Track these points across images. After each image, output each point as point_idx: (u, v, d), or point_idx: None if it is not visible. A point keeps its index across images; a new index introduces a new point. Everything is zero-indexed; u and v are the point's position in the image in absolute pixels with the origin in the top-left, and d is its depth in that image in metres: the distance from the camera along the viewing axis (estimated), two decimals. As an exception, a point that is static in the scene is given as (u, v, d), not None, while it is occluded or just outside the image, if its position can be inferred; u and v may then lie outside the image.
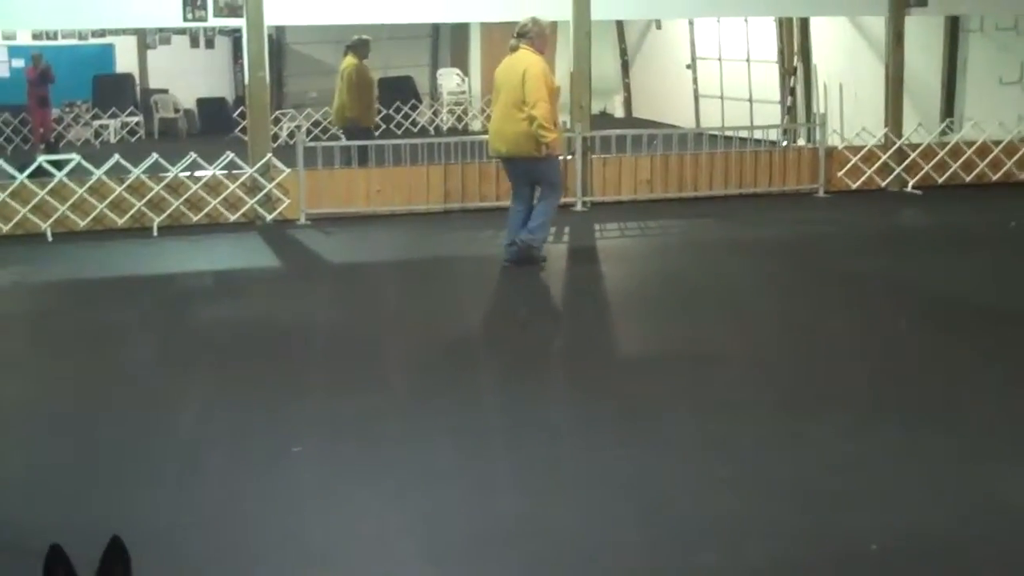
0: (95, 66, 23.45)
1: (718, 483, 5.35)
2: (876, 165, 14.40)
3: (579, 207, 13.22)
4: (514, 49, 10.06)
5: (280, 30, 22.62)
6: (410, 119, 23.30)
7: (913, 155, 14.45)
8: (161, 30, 23.08)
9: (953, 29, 16.97)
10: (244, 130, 16.36)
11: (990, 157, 14.61)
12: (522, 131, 9.86)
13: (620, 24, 24.60)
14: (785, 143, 15.89)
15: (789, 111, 19.20)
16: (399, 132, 22.09)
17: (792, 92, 19.13)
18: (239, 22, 12.46)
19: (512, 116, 9.92)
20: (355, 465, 5.62)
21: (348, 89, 14.35)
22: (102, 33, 22.66)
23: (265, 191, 12.64)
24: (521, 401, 6.71)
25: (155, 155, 12.34)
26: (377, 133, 16.21)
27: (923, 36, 16.19)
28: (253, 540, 4.82)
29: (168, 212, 12.31)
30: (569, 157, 13.14)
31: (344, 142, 14.03)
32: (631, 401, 6.62)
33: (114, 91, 23.19)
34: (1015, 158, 14.69)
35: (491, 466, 5.62)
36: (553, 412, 6.50)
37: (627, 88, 25.78)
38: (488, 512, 5.05)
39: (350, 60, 14.45)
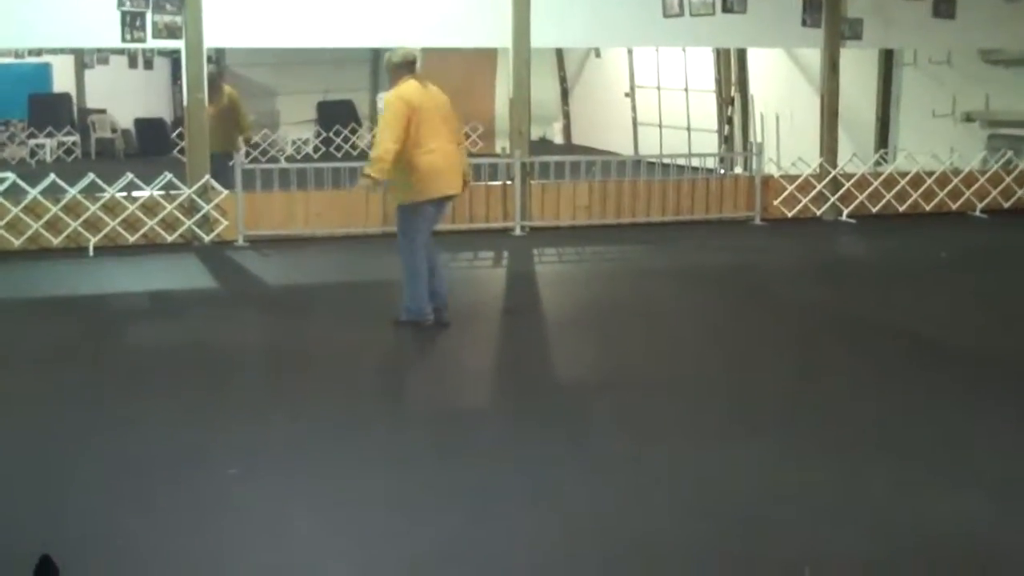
0: (31, 85, 23.23)
1: (650, 507, 5.37)
2: (811, 194, 14.59)
3: (518, 232, 13.30)
4: (422, 80, 8.76)
5: (219, 52, 22.54)
6: (350, 142, 23.33)
7: (847, 185, 14.65)
8: (99, 50, 22.92)
9: (888, 62, 17.28)
10: (183, 151, 16.27)
11: (923, 188, 14.84)
12: (459, 163, 9.00)
13: (560, 52, 24.81)
14: (722, 171, 16.04)
15: (726, 140, 19.42)
16: (339, 155, 22.12)
17: (729, 121, 19.35)
18: (178, 43, 12.40)
19: (455, 149, 8.92)
20: (292, 488, 5.60)
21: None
22: (39, 52, 22.48)
23: (203, 212, 12.58)
24: (454, 424, 6.71)
25: (91, 175, 12.29)
26: (247, 159, 15.16)
27: (858, 69, 16.47)
28: (185, 562, 4.78)
29: (104, 232, 12.22)
30: (509, 183, 13.37)
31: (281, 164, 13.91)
32: (566, 425, 6.64)
33: (51, 110, 22.98)
34: (947, 189, 14.94)
35: (424, 488, 5.61)
36: (484, 434, 6.50)
37: (567, 115, 25.97)
38: (420, 535, 5.04)
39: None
